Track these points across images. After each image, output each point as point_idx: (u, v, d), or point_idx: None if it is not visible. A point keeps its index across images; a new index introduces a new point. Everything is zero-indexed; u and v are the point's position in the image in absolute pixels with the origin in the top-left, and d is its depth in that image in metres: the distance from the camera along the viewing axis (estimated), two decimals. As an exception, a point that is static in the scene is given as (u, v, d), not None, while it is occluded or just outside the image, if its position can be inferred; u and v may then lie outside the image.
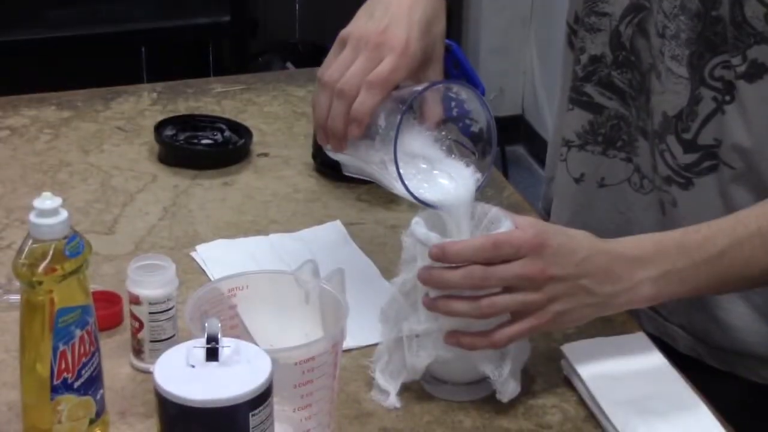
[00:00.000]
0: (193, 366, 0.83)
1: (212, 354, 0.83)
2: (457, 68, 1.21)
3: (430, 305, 1.00)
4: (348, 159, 1.09)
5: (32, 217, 0.91)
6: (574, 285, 0.99)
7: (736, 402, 1.09)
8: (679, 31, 1.11)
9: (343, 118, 1.04)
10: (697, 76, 1.11)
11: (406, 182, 1.00)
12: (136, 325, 1.07)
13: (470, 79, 1.18)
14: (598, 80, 1.23)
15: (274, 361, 0.84)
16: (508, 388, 1.03)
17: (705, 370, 1.21)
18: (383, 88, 1.03)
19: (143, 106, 1.64)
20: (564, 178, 1.30)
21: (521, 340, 1.03)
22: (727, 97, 1.10)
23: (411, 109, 1.04)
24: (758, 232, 1.02)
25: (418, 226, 1.02)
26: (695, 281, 1.03)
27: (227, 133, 1.53)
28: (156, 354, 0.99)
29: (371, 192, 1.41)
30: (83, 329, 0.94)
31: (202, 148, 1.50)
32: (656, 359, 1.09)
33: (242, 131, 1.53)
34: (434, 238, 1.00)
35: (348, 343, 1.03)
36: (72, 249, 0.92)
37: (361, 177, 1.10)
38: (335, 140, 1.06)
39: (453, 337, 1.00)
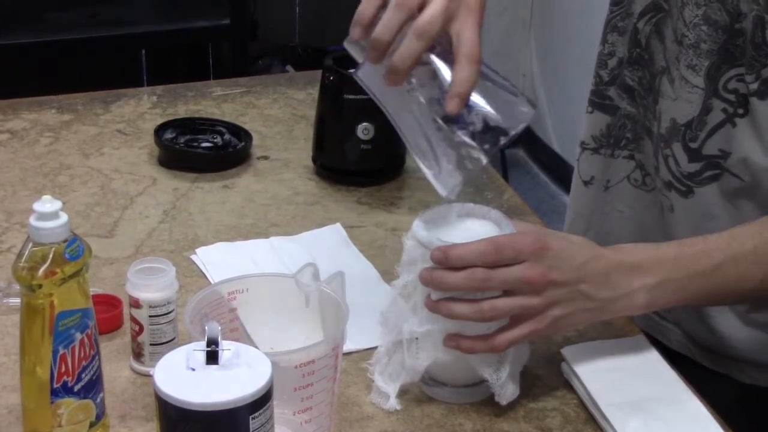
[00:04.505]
0: (193, 369, 0.82)
1: (212, 357, 0.83)
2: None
3: (432, 307, 1.00)
4: (382, 85, 1.03)
5: (32, 221, 0.91)
6: (573, 290, 1.00)
7: (730, 401, 1.09)
8: (700, 41, 1.10)
9: (413, 59, 0.99)
10: (711, 86, 1.11)
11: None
12: (136, 328, 1.07)
13: None
14: (619, 82, 1.23)
15: (274, 364, 0.84)
16: (506, 392, 1.03)
17: (698, 368, 1.21)
18: (478, 63, 0.99)
19: (143, 110, 1.63)
20: (575, 180, 1.30)
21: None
22: (740, 111, 1.10)
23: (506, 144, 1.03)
24: (753, 250, 1.03)
25: (420, 228, 1.02)
26: (689, 292, 1.04)
27: (227, 136, 1.53)
28: (156, 357, 0.98)
29: (371, 195, 1.41)
30: (83, 332, 0.94)
31: (202, 151, 1.50)
32: (656, 361, 1.09)
33: (242, 134, 1.53)
34: (436, 240, 1.00)
35: (348, 346, 1.03)
36: (72, 252, 0.92)
37: (367, 88, 1.04)
38: (394, 76, 0.99)
39: (452, 341, 1.00)
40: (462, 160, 1.01)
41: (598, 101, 1.25)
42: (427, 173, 1.03)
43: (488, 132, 1.01)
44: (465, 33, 0.99)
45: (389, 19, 0.98)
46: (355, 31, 1.01)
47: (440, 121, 1.01)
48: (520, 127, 1.01)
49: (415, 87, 1.02)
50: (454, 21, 0.99)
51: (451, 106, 0.99)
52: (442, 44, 1.01)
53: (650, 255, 1.03)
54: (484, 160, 1.01)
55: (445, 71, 1.01)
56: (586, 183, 1.29)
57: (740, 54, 1.08)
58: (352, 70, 1.05)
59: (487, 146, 1.01)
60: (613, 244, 1.07)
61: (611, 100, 1.24)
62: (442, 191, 1.03)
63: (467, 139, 1.01)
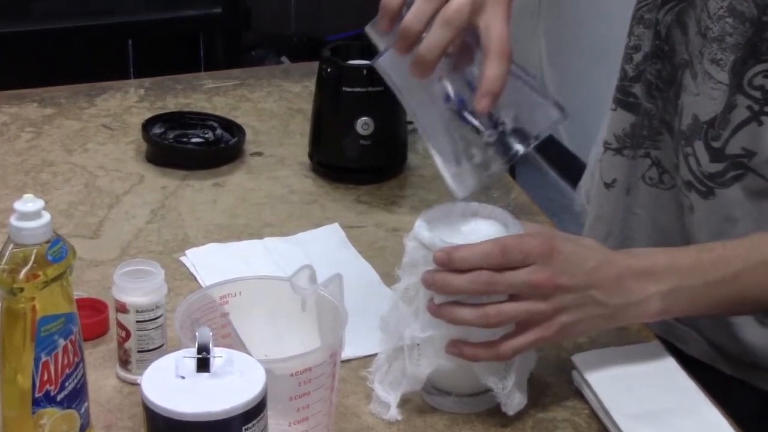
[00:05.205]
0: (182, 377, 0.82)
1: (203, 364, 0.82)
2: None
3: (435, 311, 0.99)
4: (403, 75, 1.01)
5: (13, 221, 0.89)
6: (583, 295, 0.99)
7: (752, 412, 1.08)
8: (725, 35, 1.08)
9: (440, 49, 0.97)
10: (735, 82, 1.09)
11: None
12: (123, 334, 1.06)
13: None
14: (643, 78, 1.21)
15: (269, 372, 0.83)
16: (513, 401, 1.01)
17: (718, 376, 1.20)
18: (509, 59, 0.98)
19: (130, 103, 1.64)
20: (597, 181, 1.29)
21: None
22: (767, 108, 1.08)
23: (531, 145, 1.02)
24: None
25: (422, 228, 1.00)
26: (705, 300, 1.03)
27: (219, 131, 1.52)
28: (144, 365, 0.99)
29: (371, 193, 1.41)
30: (67, 339, 0.92)
31: (193, 147, 1.49)
32: (673, 369, 1.07)
33: (234, 129, 1.53)
34: (439, 242, 0.98)
35: (346, 352, 1.02)
36: (55, 254, 0.90)
37: (388, 77, 1.03)
38: (420, 67, 0.98)
39: (455, 347, 0.99)
40: (487, 161, 1.00)
41: (622, 98, 1.24)
42: (445, 172, 1.02)
43: (515, 134, 1.00)
44: (494, 27, 0.98)
45: (419, 10, 0.98)
46: (382, 22, 1.00)
47: (467, 119, 1.00)
48: (549, 131, 1.00)
49: (440, 81, 1.00)
50: (482, 13, 0.98)
51: (481, 105, 0.97)
52: (470, 38, 0.99)
53: (665, 261, 1.02)
54: (510, 163, 1.00)
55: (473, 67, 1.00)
56: (607, 185, 1.28)
57: (767, 48, 1.06)
58: (359, 70, 1.05)
59: (513, 149, 0.99)
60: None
61: (636, 98, 1.22)
62: (459, 193, 1.01)
63: (495, 140, 0.99)
